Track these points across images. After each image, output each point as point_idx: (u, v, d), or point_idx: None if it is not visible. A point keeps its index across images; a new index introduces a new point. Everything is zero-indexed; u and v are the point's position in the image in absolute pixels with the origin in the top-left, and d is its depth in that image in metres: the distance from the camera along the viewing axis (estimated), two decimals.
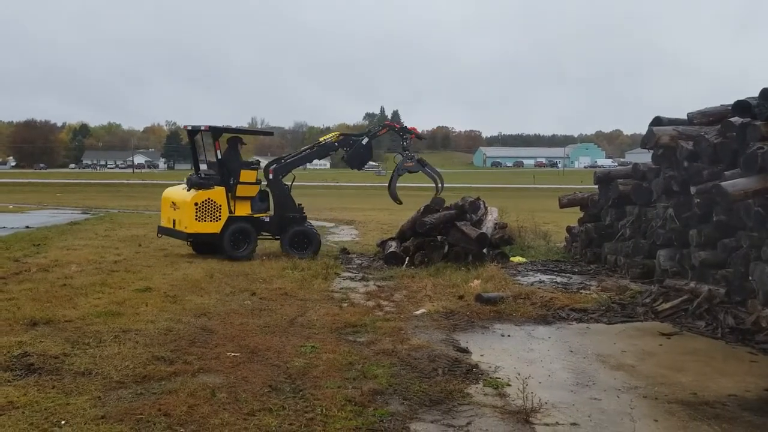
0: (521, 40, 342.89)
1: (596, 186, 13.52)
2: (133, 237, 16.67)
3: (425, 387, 5.51)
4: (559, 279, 11.17)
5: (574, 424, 4.79)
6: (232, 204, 13.12)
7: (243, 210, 13.32)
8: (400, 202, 14.77)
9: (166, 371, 5.73)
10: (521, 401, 5.09)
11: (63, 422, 4.57)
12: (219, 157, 13.20)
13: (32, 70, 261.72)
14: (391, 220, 22.07)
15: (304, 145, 14.47)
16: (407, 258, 12.37)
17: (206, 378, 5.60)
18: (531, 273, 11.76)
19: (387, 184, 15.00)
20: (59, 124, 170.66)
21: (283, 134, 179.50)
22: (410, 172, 14.29)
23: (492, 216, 14.25)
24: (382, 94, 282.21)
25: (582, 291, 9.94)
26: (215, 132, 13.34)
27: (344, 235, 19.28)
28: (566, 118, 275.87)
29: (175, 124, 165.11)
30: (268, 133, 12.38)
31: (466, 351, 6.73)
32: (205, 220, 12.97)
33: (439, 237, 12.70)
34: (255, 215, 13.49)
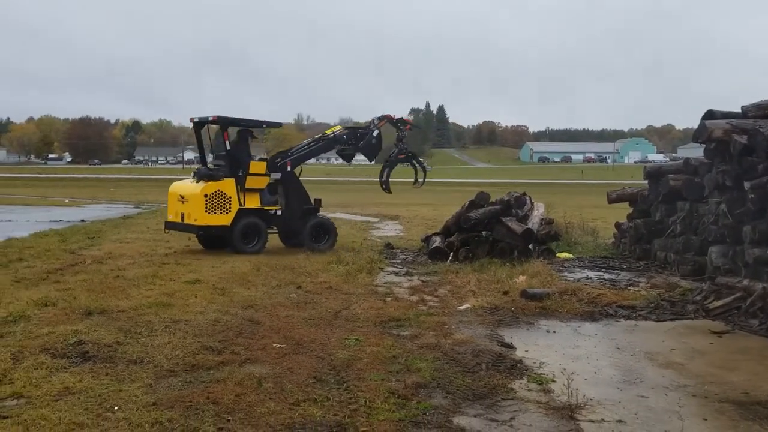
0: (570, 31, 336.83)
1: (646, 181, 13.24)
2: None
3: (468, 381, 5.51)
4: (606, 275, 10.99)
5: (620, 421, 4.72)
6: (241, 196, 12.95)
7: (252, 203, 13.16)
8: (390, 192, 15.48)
9: (214, 361, 5.86)
10: (566, 397, 5.04)
11: (116, 408, 4.73)
12: (228, 148, 13.03)
13: (87, 69, 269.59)
14: (435, 215, 22.03)
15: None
16: (451, 253, 12.33)
17: (253, 368, 5.71)
18: (578, 269, 11.60)
19: (379, 174, 15.37)
20: (112, 121, 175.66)
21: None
22: (402, 163, 15.00)
23: (538, 211, 14.09)
24: (427, 88, 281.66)
25: (630, 288, 9.77)
26: (223, 123, 13.14)
27: (389, 230, 19.35)
28: (616, 112, 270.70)
29: None
30: (275, 124, 12.04)
31: (510, 346, 6.69)
32: (215, 213, 12.74)
33: (483, 232, 12.64)
34: (264, 208, 13.35)
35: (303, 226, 13.58)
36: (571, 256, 13.08)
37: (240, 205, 12.92)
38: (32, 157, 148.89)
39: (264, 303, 8.38)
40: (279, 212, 13.54)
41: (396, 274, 11.12)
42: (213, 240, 13.24)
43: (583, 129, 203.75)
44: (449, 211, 14.97)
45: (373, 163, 16.30)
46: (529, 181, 64.34)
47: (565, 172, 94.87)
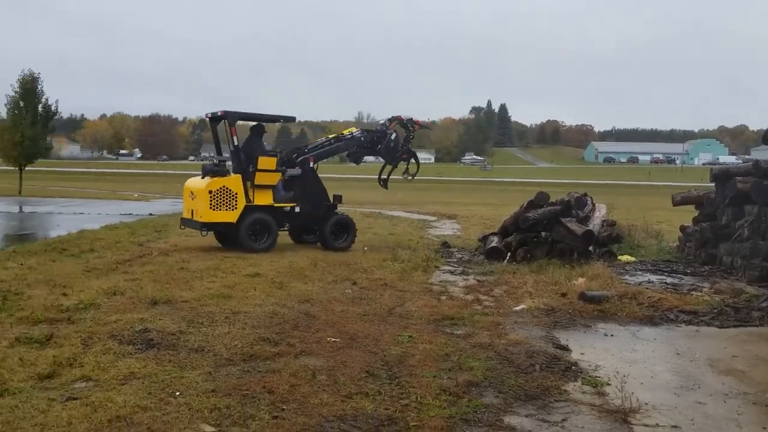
0: (639, 27, 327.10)
1: (713, 184, 12.80)
2: None
3: (521, 382, 5.49)
4: (669, 279, 10.70)
5: (675, 426, 4.62)
6: (251, 193, 12.73)
7: (263, 199, 12.87)
8: (387, 188, 15.49)
9: (270, 352, 6.03)
10: (620, 401, 4.97)
11: (177, 393, 4.93)
12: (236, 143, 12.87)
13: (155, 68, 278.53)
14: (494, 215, 21.87)
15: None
16: (509, 253, 12.23)
17: (307, 360, 5.85)
18: (639, 272, 11.33)
19: (379, 171, 15.24)
20: (180, 119, 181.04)
21: None
22: (404, 161, 14.83)
23: (600, 213, 13.83)
24: (489, 87, 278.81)
25: (693, 293, 9.47)
26: (231, 118, 12.94)
27: (446, 229, 19.32)
28: (686, 112, 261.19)
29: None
30: (290, 118, 11.45)
31: (565, 348, 6.62)
32: (220, 209, 12.45)
33: (542, 233, 12.48)
34: (277, 205, 13.08)
35: (323, 223, 13.41)
36: (633, 259, 12.78)
37: (249, 201, 12.68)
38: (104, 152, 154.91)
39: (320, 297, 8.54)
40: (297, 209, 13.33)
41: (452, 273, 11.12)
42: (229, 237, 13.03)
43: (651, 129, 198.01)
44: (508, 211, 14.85)
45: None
46: (592, 181, 62.95)
47: (632, 174, 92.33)
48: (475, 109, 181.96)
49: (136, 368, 5.45)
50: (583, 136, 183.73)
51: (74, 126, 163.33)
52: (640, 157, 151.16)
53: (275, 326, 6.94)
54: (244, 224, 12.49)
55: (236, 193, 12.56)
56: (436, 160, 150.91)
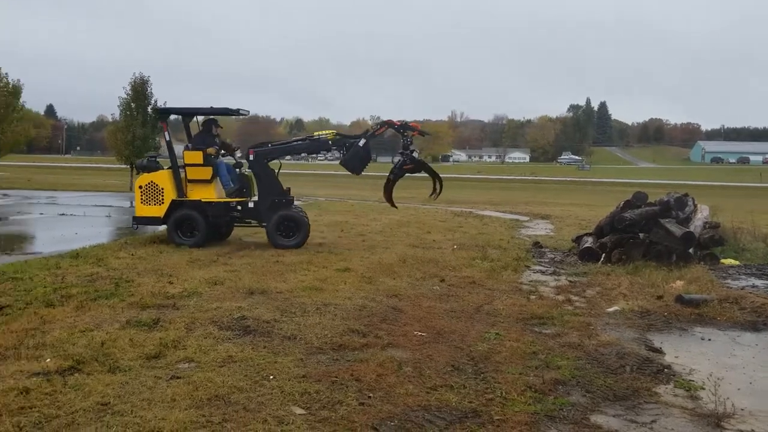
0: (750, 20, 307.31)
1: None
2: (336, 222, 17.94)
3: (610, 382, 5.40)
4: None
5: None
6: (185, 187, 12.61)
7: (201, 194, 12.61)
8: (396, 206, 13.89)
9: (359, 342, 6.23)
10: (714, 405, 4.80)
11: (271, 377, 5.20)
12: (167, 138, 12.86)
13: (253, 71, 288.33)
14: (590, 215, 21.30)
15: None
16: (603, 254, 11.91)
17: (394, 352, 6.00)
18: (743, 277, 10.75)
19: (383, 188, 13.30)
20: (278, 119, 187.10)
21: (482, 127, 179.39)
22: (411, 173, 13.05)
23: (702, 214, 13.21)
24: (588, 84, 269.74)
25: None
26: (161, 114, 13.11)
27: (539, 229, 19.00)
28: None
29: (378, 117, 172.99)
30: (233, 111, 10.35)
31: (659, 351, 6.43)
32: (149, 204, 12.60)
33: (639, 234, 12.07)
34: (214, 200, 12.60)
35: (269, 219, 12.70)
36: (737, 262, 12.12)
37: (179, 196, 12.58)
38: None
39: (408, 293, 8.68)
40: (251, 204, 12.79)
41: (543, 273, 10.97)
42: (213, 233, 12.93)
43: (764, 128, 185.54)
44: (605, 212, 14.42)
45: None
46: (698, 182, 59.88)
47: (741, 175, 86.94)
48: (573, 107, 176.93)
49: (233, 352, 5.79)
50: (688, 135, 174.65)
51: (181, 127, 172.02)
52: (752, 158, 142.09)
53: (364, 319, 7.14)
54: (170, 220, 12.52)
55: (162, 189, 12.60)
56: (531, 159, 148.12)
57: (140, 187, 12.76)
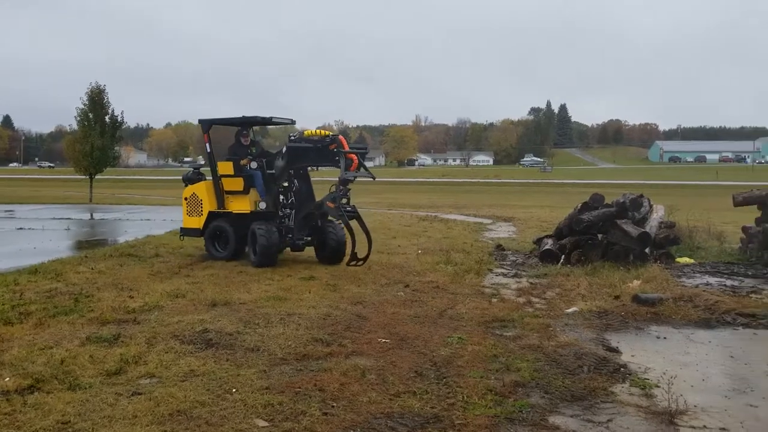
0: (705, 18, 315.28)
1: None
2: None
3: (568, 383, 5.53)
4: (728, 282, 10.41)
5: (723, 429, 4.59)
6: (223, 199, 12.42)
7: (237, 206, 12.25)
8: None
9: (322, 352, 6.26)
10: (667, 402, 4.96)
11: (234, 390, 5.20)
12: (209, 150, 12.84)
13: (216, 76, 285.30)
14: (552, 217, 21.64)
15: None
16: (563, 256, 12.15)
17: (358, 360, 6.04)
18: (698, 275, 11.07)
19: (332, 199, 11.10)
20: None
21: (446, 131, 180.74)
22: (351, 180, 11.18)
23: (657, 214, 13.55)
24: (549, 87, 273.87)
25: (752, 295, 9.22)
26: (203, 125, 13.02)
27: (501, 231, 19.24)
28: (757, 108, 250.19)
29: (342, 122, 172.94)
30: (267, 121, 10.68)
31: (615, 351, 6.60)
32: (192, 216, 12.70)
33: (597, 235, 12.34)
34: (243, 212, 12.09)
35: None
36: (692, 261, 12.47)
37: (216, 208, 12.43)
38: (170, 160, 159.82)
39: (372, 300, 8.74)
40: (286, 216, 12.10)
41: (504, 275, 11.13)
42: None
43: (720, 127, 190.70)
44: (566, 213, 14.69)
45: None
46: (656, 182, 61.22)
47: (699, 173, 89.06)
48: (534, 110, 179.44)
49: (195, 366, 5.77)
50: (647, 135, 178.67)
51: (141, 135, 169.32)
52: (708, 156, 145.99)
53: (328, 327, 7.17)
54: (207, 231, 12.45)
55: (201, 200, 12.60)
56: (495, 162, 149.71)
57: (185, 198, 12.87)
